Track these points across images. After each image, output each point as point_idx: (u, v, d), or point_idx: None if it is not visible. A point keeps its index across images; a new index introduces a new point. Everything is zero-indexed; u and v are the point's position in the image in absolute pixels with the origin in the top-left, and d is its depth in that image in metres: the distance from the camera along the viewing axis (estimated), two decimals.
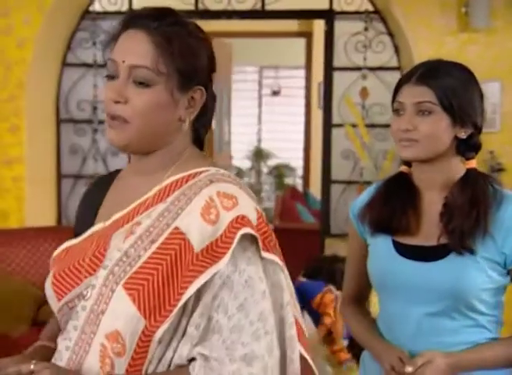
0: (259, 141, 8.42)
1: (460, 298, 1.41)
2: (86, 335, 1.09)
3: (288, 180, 7.94)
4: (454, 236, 1.40)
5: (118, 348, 1.06)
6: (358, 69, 3.88)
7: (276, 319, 1.12)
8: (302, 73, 7.17)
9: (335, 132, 3.98)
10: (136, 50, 1.09)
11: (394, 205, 1.49)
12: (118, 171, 1.28)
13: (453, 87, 1.40)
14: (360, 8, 3.84)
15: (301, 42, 6.86)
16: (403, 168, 1.53)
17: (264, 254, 1.11)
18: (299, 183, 7.75)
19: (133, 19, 1.12)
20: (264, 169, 8.16)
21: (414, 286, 1.45)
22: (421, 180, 1.49)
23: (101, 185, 1.26)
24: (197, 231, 1.07)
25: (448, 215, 1.42)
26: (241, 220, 1.08)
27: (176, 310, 1.05)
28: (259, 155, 8.12)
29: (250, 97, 8.51)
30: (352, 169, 3.96)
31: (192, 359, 1.07)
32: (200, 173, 1.15)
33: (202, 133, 1.21)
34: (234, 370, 1.05)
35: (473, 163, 1.46)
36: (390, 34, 3.82)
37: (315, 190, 5.95)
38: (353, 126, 3.91)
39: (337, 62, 3.92)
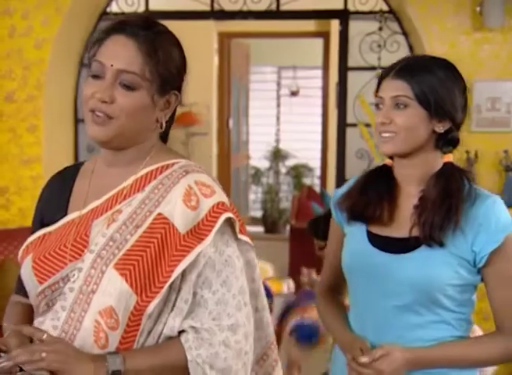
0: (277, 141, 8.44)
1: (426, 291, 1.42)
2: (75, 314, 1.20)
3: (306, 181, 7.94)
4: (425, 228, 1.41)
5: (112, 322, 1.18)
6: (373, 68, 3.88)
7: (249, 292, 1.28)
8: (320, 73, 7.17)
9: (349, 132, 4.00)
10: (125, 56, 1.20)
11: (370, 194, 1.51)
12: (82, 163, 1.39)
13: (429, 81, 1.42)
14: (374, 8, 3.84)
15: (319, 42, 6.87)
16: (388, 161, 1.55)
17: (240, 236, 1.28)
18: (317, 183, 7.75)
19: (122, 26, 1.23)
20: (283, 170, 8.17)
21: (382, 277, 1.46)
22: (400, 174, 1.51)
23: (67, 176, 1.36)
24: (181, 216, 1.21)
25: (421, 207, 1.44)
26: (221, 206, 1.23)
27: (166, 286, 1.17)
28: (277, 155, 8.13)
29: (269, 97, 8.53)
30: (366, 168, 3.97)
31: (181, 332, 1.20)
32: (173, 164, 1.28)
33: (167, 129, 1.34)
34: (223, 339, 1.19)
35: (449, 157, 1.47)
36: (405, 34, 3.83)
37: (331, 189, 5.96)
38: (367, 125, 3.93)
39: (352, 61, 3.94)
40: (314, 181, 7.94)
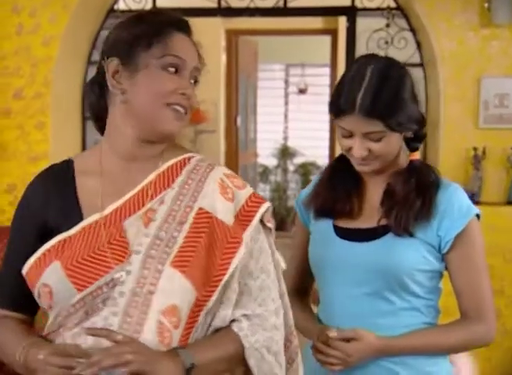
0: (285, 138, 8.44)
1: (394, 276, 1.44)
2: (133, 318, 1.15)
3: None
4: (397, 222, 1.45)
5: (174, 321, 1.17)
6: None
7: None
8: (329, 70, 7.16)
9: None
10: (194, 53, 1.28)
11: (338, 190, 1.54)
12: (70, 161, 1.31)
13: (398, 109, 1.41)
14: (382, 4, 3.83)
15: (327, 40, 6.86)
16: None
17: (268, 224, 1.31)
18: None
19: (180, 24, 1.28)
20: (291, 167, 8.18)
21: (350, 266, 1.48)
22: (363, 170, 1.51)
23: (60, 176, 1.29)
24: (223, 209, 1.24)
25: (391, 202, 1.47)
26: (258, 196, 1.30)
27: (224, 281, 1.20)
28: (285, 153, 8.14)
29: (276, 95, 8.53)
30: None
31: (232, 321, 1.23)
32: (189, 158, 1.30)
33: None
34: (273, 323, 1.25)
35: (417, 155, 1.53)
36: (412, 31, 3.81)
37: None
38: None
39: None
40: None
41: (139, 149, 1.26)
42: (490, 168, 3.53)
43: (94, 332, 1.13)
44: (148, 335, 1.15)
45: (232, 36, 6.82)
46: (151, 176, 1.25)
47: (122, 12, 4.01)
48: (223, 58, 6.78)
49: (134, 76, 1.23)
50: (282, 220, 7.59)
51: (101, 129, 1.32)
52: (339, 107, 1.44)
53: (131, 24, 1.26)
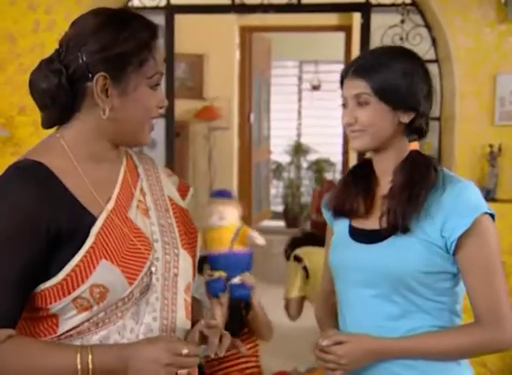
0: (298, 135, 8.45)
1: (399, 279, 1.42)
2: (168, 299, 1.30)
3: (327, 175, 7.95)
4: (389, 216, 1.44)
5: (190, 296, 1.37)
6: None
7: None
8: (342, 67, 7.15)
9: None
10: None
11: (350, 189, 1.55)
12: (40, 162, 1.24)
13: (387, 76, 1.44)
14: (396, 0, 3.82)
15: (341, 36, 6.85)
16: (369, 155, 1.57)
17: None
18: (338, 178, 7.75)
19: (157, 31, 1.31)
20: (304, 164, 8.19)
21: (358, 268, 1.48)
22: (377, 167, 1.54)
23: (42, 178, 1.22)
24: (175, 194, 1.42)
25: (388, 197, 1.46)
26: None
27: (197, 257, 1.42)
28: (298, 149, 8.15)
29: (290, 91, 8.53)
30: None
31: None
32: (126, 151, 1.39)
33: None
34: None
35: (415, 145, 1.49)
36: (427, 26, 3.79)
37: None
38: None
39: None
40: (335, 176, 7.94)
41: (108, 152, 1.32)
42: (506, 165, 3.51)
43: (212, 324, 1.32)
44: (180, 313, 1.31)
45: (246, 33, 6.84)
46: (122, 171, 1.33)
47: (137, 9, 4.03)
48: (237, 55, 6.80)
49: (124, 95, 1.25)
50: (295, 217, 7.60)
51: (49, 116, 1.31)
52: (341, 74, 1.51)
53: (117, 35, 1.24)
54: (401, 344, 1.43)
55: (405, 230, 1.42)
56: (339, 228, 1.58)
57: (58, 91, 1.25)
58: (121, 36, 1.24)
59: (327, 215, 1.63)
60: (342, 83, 1.50)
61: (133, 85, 1.25)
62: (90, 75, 1.24)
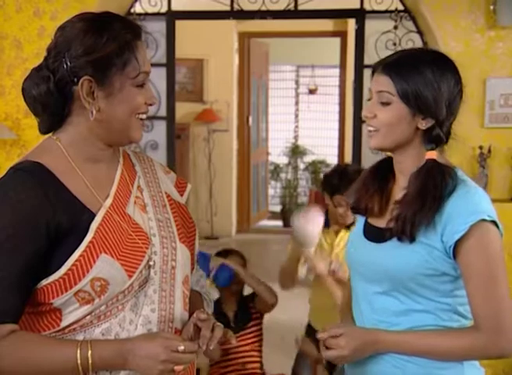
0: (296, 137, 8.55)
1: (399, 279, 1.43)
2: (166, 291, 1.33)
3: None
4: (398, 223, 1.42)
5: (188, 289, 1.39)
6: None
7: None
8: (338, 71, 7.26)
9: (365, 128, 4.05)
10: (147, 59, 1.37)
11: (368, 188, 1.55)
12: (38, 163, 1.28)
13: (413, 78, 1.41)
14: (390, 7, 3.91)
15: (337, 41, 6.95)
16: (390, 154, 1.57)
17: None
18: None
19: (139, 32, 1.33)
20: (301, 166, 8.27)
21: (364, 264, 1.50)
22: (396, 167, 1.53)
23: (44, 179, 1.26)
24: (173, 190, 1.45)
25: (400, 203, 1.44)
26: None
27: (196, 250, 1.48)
28: (296, 151, 8.24)
29: (287, 95, 8.64)
30: None
31: None
32: (124, 150, 1.44)
33: None
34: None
35: (432, 154, 1.44)
36: (419, 32, 3.88)
37: None
38: None
39: (368, 59, 4.01)
40: None
41: (104, 152, 1.34)
42: (495, 166, 3.60)
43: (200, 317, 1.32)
44: (178, 305, 1.34)
45: (244, 38, 6.93)
46: (119, 169, 1.37)
47: (139, 15, 4.12)
48: (236, 59, 6.89)
49: (110, 97, 1.28)
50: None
51: (43, 122, 1.33)
52: (372, 69, 1.49)
53: (99, 38, 1.25)
54: (395, 338, 1.43)
55: (411, 239, 1.40)
56: (358, 223, 1.59)
57: (48, 98, 1.27)
58: (103, 38, 1.25)
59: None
60: (372, 75, 1.48)
61: (118, 86, 1.27)
62: (75, 79, 1.26)
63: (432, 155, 1.45)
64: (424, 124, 1.44)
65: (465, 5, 3.62)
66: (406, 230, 1.40)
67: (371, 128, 1.47)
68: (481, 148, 3.57)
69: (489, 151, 3.57)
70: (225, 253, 2.98)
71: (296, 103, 8.74)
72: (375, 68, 1.48)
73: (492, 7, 3.57)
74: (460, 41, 3.62)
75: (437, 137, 1.45)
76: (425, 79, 1.41)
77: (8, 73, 3.72)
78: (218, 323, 1.31)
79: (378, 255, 1.47)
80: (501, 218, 3.76)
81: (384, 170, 1.56)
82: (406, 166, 1.48)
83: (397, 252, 1.43)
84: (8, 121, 3.71)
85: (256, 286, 2.79)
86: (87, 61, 1.25)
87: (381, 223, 1.50)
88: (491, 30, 3.60)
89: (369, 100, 1.49)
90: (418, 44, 3.89)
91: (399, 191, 1.50)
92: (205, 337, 1.27)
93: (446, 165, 1.45)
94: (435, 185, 1.40)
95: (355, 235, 1.59)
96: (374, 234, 1.51)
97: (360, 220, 1.60)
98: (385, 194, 1.53)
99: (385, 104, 1.43)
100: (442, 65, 1.45)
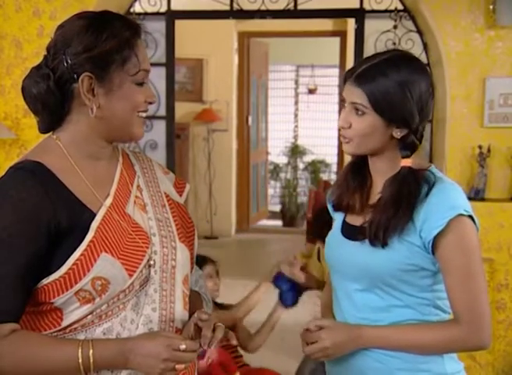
0: (295, 137, 8.56)
1: (377, 275, 1.45)
2: (166, 291, 1.33)
3: (323, 176, 8.06)
4: (371, 228, 1.45)
5: (188, 288, 1.40)
6: None
7: None
8: (337, 71, 7.27)
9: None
10: (147, 57, 1.38)
11: (348, 185, 1.56)
12: (38, 162, 1.28)
13: (385, 90, 1.42)
14: (389, 6, 3.91)
15: (336, 41, 6.96)
16: None
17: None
18: (334, 178, 7.86)
19: (138, 30, 1.33)
20: (300, 165, 8.29)
21: (344, 262, 1.52)
22: (372, 168, 1.54)
23: (43, 177, 1.26)
24: (172, 190, 1.45)
25: (374, 208, 1.47)
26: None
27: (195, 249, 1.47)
28: (295, 151, 8.26)
29: (287, 95, 8.65)
30: None
31: None
32: (122, 149, 1.44)
33: None
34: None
35: (407, 162, 1.46)
36: (419, 32, 3.89)
37: None
38: None
39: None
40: (330, 176, 8.06)
41: (104, 150, 1.35)
42: (495, 165, 3.61)
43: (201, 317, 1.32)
44: (178, 304, 1.34)
45: (244, 38, 6.94)
46: (119, 168, 1.37)
47: (138, 14, 4.13)
48: (235, 59, 6.90)
49: (110, 93, 1.28)
50: (292, 216, 7.70)
51: (43, 121, 1.32)
52: (344, 77, 1.49)
53: (99, 35, 1.26)
54: (378, 333, 1.44)
55: (384, 244, 1.42)
56: (336, 222, 1.60)
57: (48, 96, 1.27)
58: (103, 35, 1.26)
59: (330, 207, 1.65)
60: (344, 84, 1.48)
61: (118, 83, 1.27)
62: (75, 76, 1.26)
63: (407, 162, 1.47)
64: (398, 133, 1.46)
65: (465, 4, 3.62)
66: (379, 236, 1.43)
67: (345, 139, 1.49)
68: (480, 147, 3.58)
69: (489, 150, 3.58)
70: (199, 263, 2.90)
71: (296, 103, 8.76)
72: (346, 77, 1.48)
73: (491, 7, 3.57)
74: (459, 41, 3.63)
75: (412, 144, 1.47)
76: (397, 89, 1.42)
77: (7, 72, 3.72)
78: (220, 324, 1.30)
79: (357, 252, 1.48)
80: (501, 217, 3.77)
81: (363, 165, 1.56)
82: (381, 169, 1.51)
83: (376, 249, 1.45)
84: (7, 121, 3.71)
85: (266, 334, 2.66)
86: (87, 57, 1.25)
87: (359, 221, 1.52)
88: (490, 29, 3.61)
89: (342, 105, 1.50)
90: (418, 43, 3.89)
91: (375, 190, 1.52)
92: (206, 337, 1.27)
93: (420, 169, 1.47)
94: (409, 192, 1.43)
95: (333, 234, 1.60)
96: (351, 232, 1.52)
97: (338, 219, 1.60)
98: (365, 191, 1.54)
99: (361, 114, 1.45)
100: (412, 70, 1.45)
